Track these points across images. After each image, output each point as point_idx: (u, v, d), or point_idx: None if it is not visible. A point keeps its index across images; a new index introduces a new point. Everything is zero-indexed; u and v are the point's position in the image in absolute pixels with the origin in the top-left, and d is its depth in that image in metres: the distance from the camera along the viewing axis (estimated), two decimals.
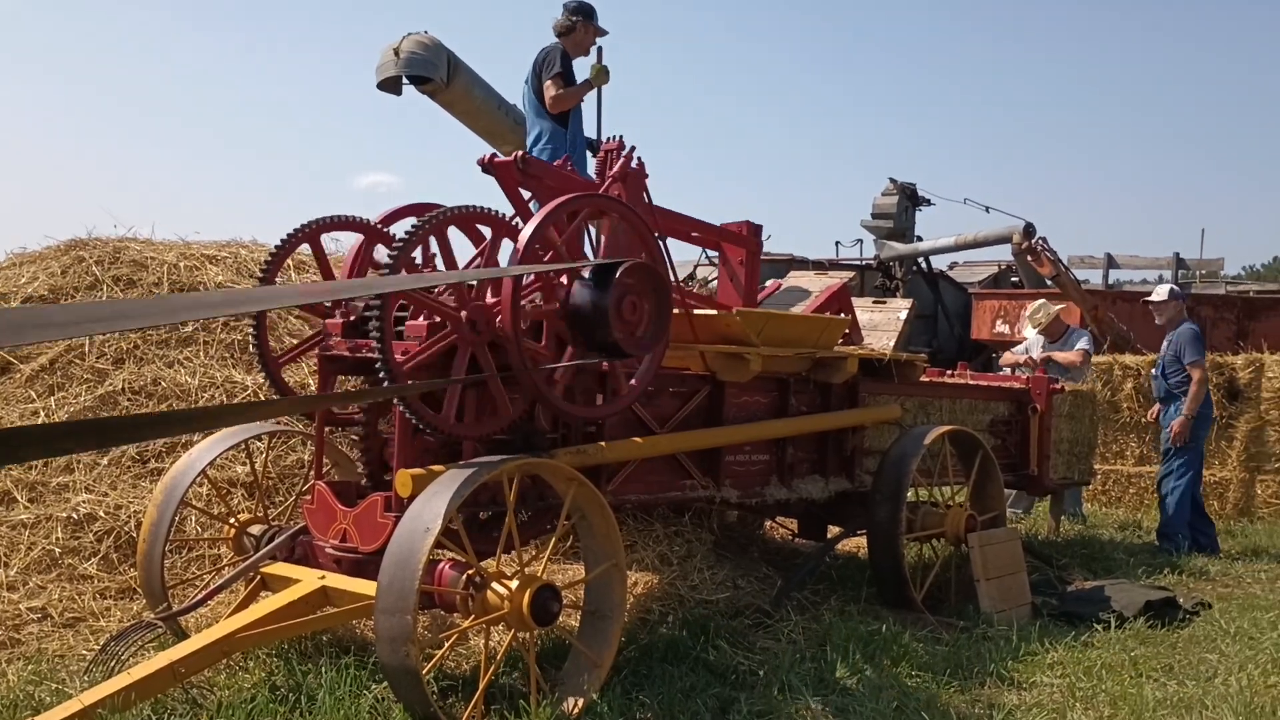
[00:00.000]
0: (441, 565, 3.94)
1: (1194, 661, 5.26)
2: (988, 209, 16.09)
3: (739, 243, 6.25)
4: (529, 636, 4.03)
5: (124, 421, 2.49)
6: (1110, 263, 18.31)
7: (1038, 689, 4.75)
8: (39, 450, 1.91)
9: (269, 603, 4.17)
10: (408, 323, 4.25)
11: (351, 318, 4.48)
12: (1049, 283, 13.71)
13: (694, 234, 6.15)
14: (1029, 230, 14.07)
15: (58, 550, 5.30)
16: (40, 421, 5.93)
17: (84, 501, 5.52)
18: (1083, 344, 9.49)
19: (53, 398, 6.14)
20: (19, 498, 5.57)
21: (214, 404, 6.04)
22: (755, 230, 6.27)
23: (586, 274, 4.33)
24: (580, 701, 4.04)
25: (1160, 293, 8.99)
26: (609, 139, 5.48)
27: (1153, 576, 7.07)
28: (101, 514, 5.46)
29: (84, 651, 4.59)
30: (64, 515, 5.44)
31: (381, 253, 4.75)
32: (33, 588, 5.12)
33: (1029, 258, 13.92)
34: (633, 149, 5.28)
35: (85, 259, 7.02)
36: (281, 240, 4.61)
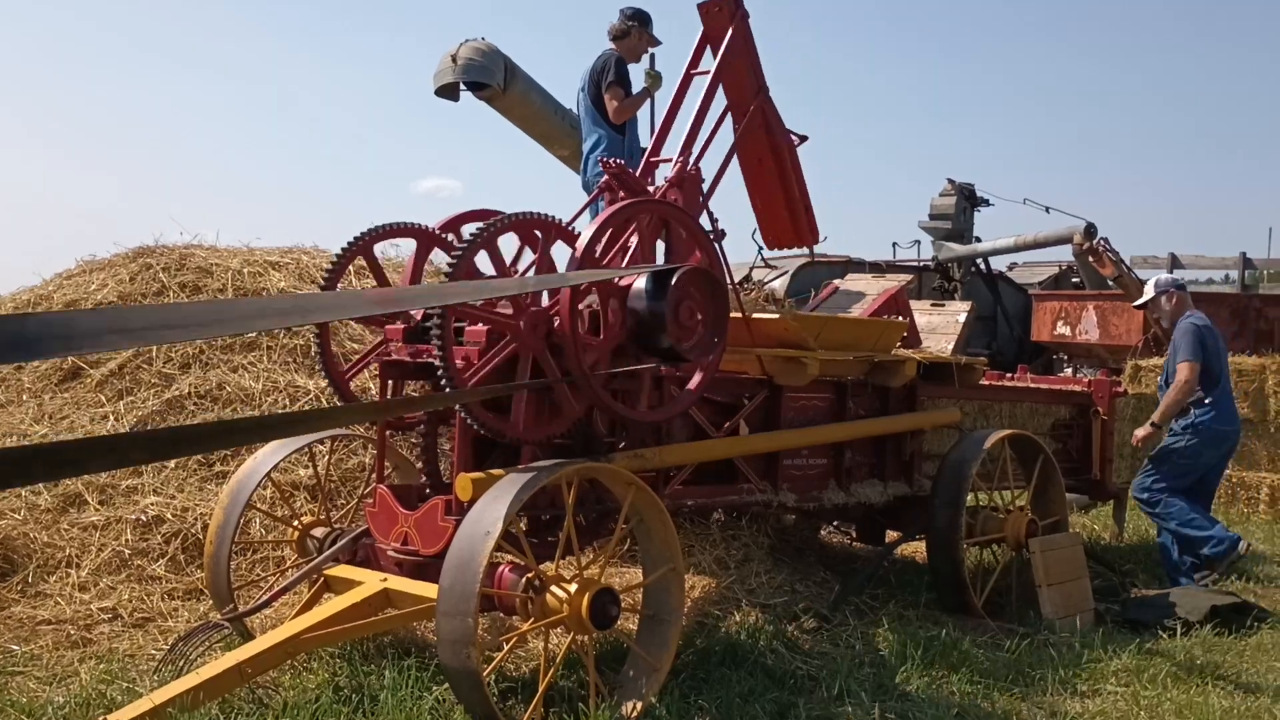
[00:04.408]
0: (501, 568, 3.98)
1: (1262, 670, 5.17)
2: (1048, 209, 15.90)
3: None
4: (588, 640, 4.05)
5: (189, 432, 2.55)
6: (1174, 263, 17.96)
7: (1101, 697, 4.70)
8: (109, 461, 1.95)
9: (332, 605, 4.23)
10: (467, 328, 4.30)
11: (412, 323, 4.54)
12: (1111, 284, 13.53)
13: None
14: (1090, 230, 13.89)
15: (127, 551, 5.42)
16: (110, 426, 6.07)
17: (152, 504, 5.63)
18: None
19: (121, 402, 6.28)
20: (89, 500, 5.70)
21: (277, 408, 6.14)
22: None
23: (644, 280, 4.35)
24: (639, 705, 4.05)
25: (1148, 290, 7.22)
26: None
27: (1219, 582, 6.94)
28: (169, 516, 5.57)
29: (153, 651, 4.68)
30: (133, 517, 5.56)
31: (441, 259, 4.80)
32: (103, 588, 5.23)
33: (1090, 258, 13.76)
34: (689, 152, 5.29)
35: (152, 266, 7.17)
36: (343, 248, 4.67)
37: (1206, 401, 6.77)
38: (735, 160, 5.57)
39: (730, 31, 5.33)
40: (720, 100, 5.39)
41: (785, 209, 5.84)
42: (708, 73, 5.34)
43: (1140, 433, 6.99)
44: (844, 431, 5.69)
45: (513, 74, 9.85)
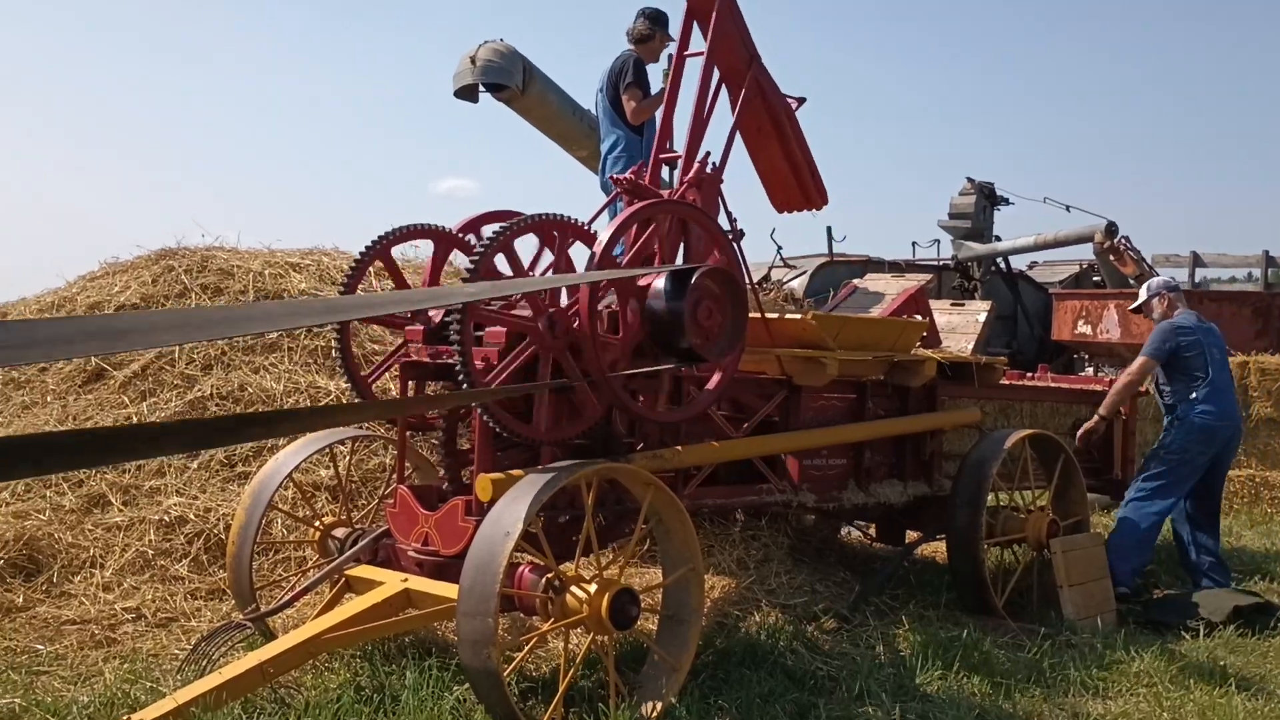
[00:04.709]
0: (521, 569, 3.99)
1: None
2: (1068, 208, 15.77)
3: None
4: (607, 640, 4.06)
5: (219, 423, 2.57)
6: (1196, 261, 17.80)
7: (1123, 698, 4.68)
8: (144, 449, 1.97)
9: (354, 605, 4.25)
10: (487, 329, 4.31)
11: (432, 324, 4.56)
12: (1132, 283, 13.44)
13: None
14: (1111, 229, 13.81)
15: (151, 552, 5.46)
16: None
17: (175, 504, 5.67)
18: None
19: (145, 403, 6.32)
20: (114, 500, 5.75)
21: (301, 408, 6.18)
22: None
23: (663, 280, 4.35)
24: (658, 705, 4.06)
25: (1141, 294, 7.14)
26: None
27: (1242, 583, 6.90)
28: (192, 516, 5.61)
29: (176, 651, 4.71)
30: (156, 518, 5.60)
31: (461, 260, 4.81)
32: (127, 588, 5.27)
33: (1111, 257, 13.66)
34: (707, 154, 5.29)
35: (175, 268, 7.22)
36: (363, 250, 4.69)
37: (1192, 396, 6.70)
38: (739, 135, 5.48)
39: (717, 4, 5.18)
40: (714, 76, 5.30)
41: (790, 173, 5.77)
42: (700, 54, 5.25)
43: (1086, 425, 6.89)
44: (863, 431, 5.68)
45: (531, 75, 9.86)
